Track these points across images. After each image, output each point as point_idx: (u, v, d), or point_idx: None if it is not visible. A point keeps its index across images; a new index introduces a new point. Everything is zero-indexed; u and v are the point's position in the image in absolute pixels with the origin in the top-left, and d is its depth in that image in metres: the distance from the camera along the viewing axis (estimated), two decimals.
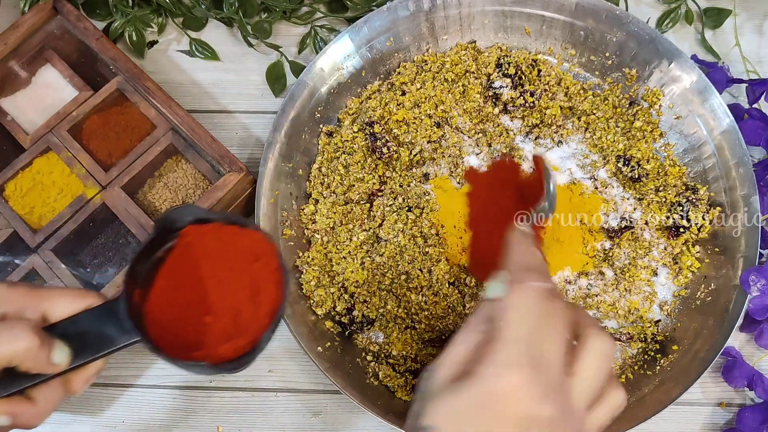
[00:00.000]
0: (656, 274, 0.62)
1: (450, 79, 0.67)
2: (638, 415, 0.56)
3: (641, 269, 0.62)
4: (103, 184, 0.61)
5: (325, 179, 0.65)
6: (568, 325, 0.38)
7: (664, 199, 0.62)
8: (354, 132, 0.65)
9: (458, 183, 0.65)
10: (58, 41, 0.66)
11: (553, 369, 0.36)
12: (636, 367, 0.60)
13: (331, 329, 0.62)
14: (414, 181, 0.65)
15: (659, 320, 0.61)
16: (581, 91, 0.67)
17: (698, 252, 0.62)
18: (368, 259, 0.63)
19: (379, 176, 0.65)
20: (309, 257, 0.63)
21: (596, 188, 0.64)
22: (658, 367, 0.59)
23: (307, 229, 0.65)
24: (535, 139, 0.66)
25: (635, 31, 0.65)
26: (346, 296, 0.62)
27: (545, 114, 0.66)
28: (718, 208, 0.62)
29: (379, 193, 0.64)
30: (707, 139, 0.63)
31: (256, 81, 0.72)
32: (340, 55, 0.67)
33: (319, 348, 0.59)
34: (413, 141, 0.65)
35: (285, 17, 0.72)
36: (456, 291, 0.62)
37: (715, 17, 0.71)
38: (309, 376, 0.63)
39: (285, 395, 0.63)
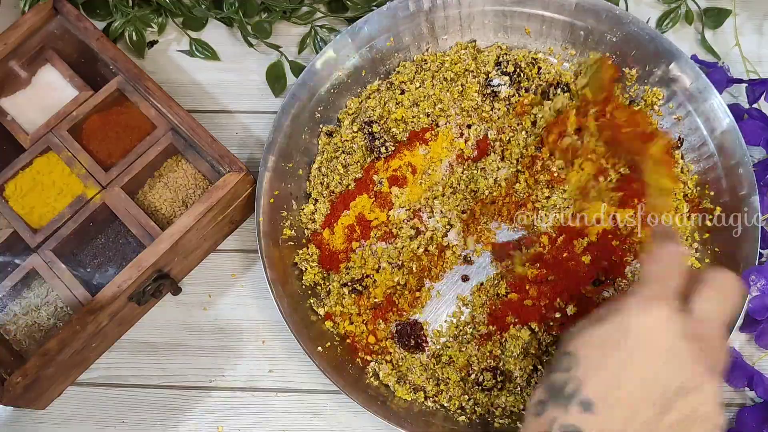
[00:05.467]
0: None
1: (449, 78, 0.67)
2: None
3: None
4: (103, 184, 0.61)
5: (325, 179, 0.65)
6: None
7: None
8: (353, 132, 0.65)
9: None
10: (58, 41, 0.66)
11: (681, 311, 0.39)
12: None
13: (331, 329, 0.62)
14: None
15: None
16: None
17: (698, 252, 0.62)
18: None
19: None
20: (309, 257, 0.63)
21: None
22: None
23: (307, 229, 0.65)
24: None
25: (635, 31, 0.65)
26: None
27: None
28: (719, 208, 0.62)
29: None
30: (707, 139, 0.63)
31: (256, 81, 0.72)
32: (340, 55, 0.67)
33: (319, 348, 0.59)
34: None
35: (285, 17, 0.72)
36: None
37: (715, 17, 0.71)
38: (309, 376, 0.63)
39: (285, 395, 0.63)
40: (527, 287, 0.60)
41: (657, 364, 0.37)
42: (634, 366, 0.37)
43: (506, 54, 0.67)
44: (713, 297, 0.40)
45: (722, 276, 0.41)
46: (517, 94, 0.66)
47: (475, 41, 0.69)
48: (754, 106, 0.65)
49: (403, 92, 0.67)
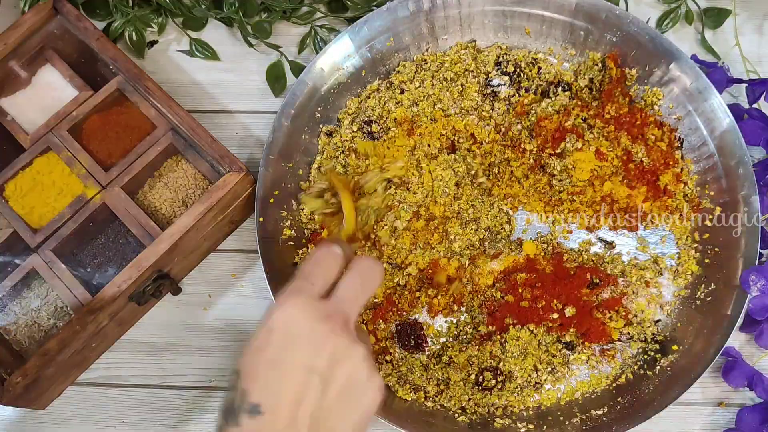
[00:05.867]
0: (661, 274, 0.62)
1: (449, 78, 0.67)
2: (638, 415, 0.56)
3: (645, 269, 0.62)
4: (103, 184, 0.61)
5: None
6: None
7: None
8: (353, 131, 0.65)
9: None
10: (58, 41, 0.66)
11: (320, 299, 0.43)
12: (636, 367, 0.60)
13: None
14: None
15: (659, 320, 0.61)
16: None
17: (698, 252, 0.62)
18: None
19: None
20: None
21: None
22: (658, 367, 0.59)
23: (307, 228, 0.65)
24: None
25: (635, 31, 0.65)
26: None
27: None
28: (718, 208, 0.62)
29: None
30: (707, 139, 0.63)
31: (256, 81, 0.72)
32: (340, 55, 0.67)
33: None
34: None
35: (285, 17, 0.72)
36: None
37: (715, 17, 0.71)
38: None
39: None
40: (520, 290, 0.60)
41: (303, 349, 0.40)
42: (284, 357, 0.40)
43: (506, 54, 0.67)
44: (353, 280, 0.44)
45: (361, 261, 0.45)
46: (517, 94, 0.66)
47: (475, 41, 0.69)
48: (754, 106, 0.65)
49: (402, 92, 0.67)
